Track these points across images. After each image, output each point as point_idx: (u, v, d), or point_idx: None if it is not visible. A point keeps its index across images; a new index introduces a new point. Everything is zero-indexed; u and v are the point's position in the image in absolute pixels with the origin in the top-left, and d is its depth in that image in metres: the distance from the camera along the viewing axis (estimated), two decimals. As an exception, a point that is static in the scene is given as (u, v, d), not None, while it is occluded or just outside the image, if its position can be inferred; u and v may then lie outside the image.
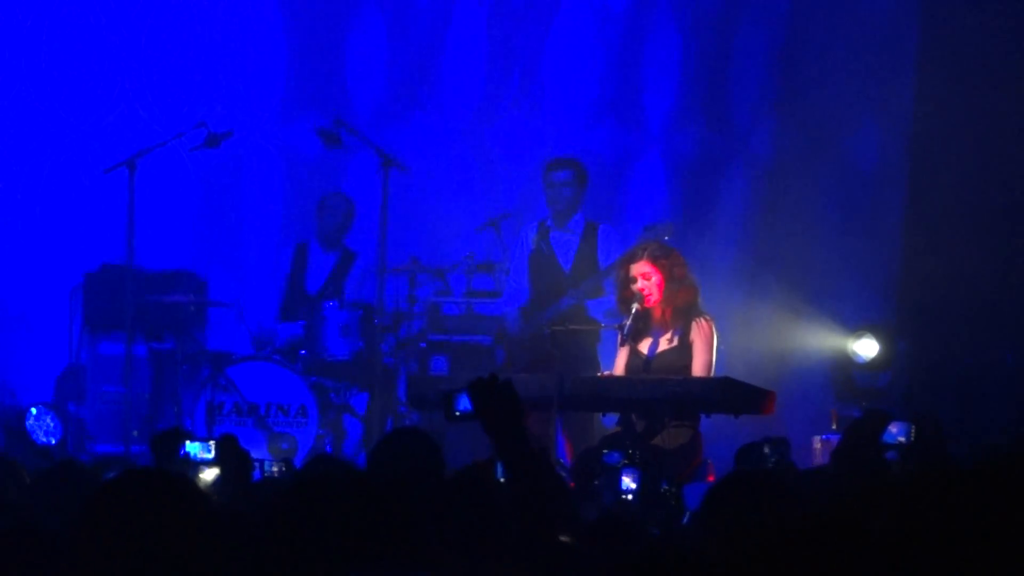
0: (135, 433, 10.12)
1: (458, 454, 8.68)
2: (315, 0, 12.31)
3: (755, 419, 8.44)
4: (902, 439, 5.71)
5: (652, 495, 7.00)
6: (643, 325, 8.66)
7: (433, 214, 12.23)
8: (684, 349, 8.57)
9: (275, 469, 6.59)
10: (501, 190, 12.30)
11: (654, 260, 8.60)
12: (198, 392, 10.19)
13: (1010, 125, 11.62)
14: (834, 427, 11.09)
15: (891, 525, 2.21)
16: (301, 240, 11.06)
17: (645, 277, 8.60)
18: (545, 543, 4.00)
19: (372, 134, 10.70)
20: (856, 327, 11.85)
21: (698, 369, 8.52)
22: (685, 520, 6.61)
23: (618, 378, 8.61)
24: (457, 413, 4.67)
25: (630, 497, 6.95)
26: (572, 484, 7.35)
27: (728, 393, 8.16)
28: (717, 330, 8.67)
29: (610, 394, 8.50)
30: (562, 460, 8.97)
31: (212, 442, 5.67)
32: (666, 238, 9.06)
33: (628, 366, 8.69)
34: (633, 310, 8.58)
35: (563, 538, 4.10)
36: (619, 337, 8.73)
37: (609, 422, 9.10)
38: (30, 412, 10.26)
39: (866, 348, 11.72)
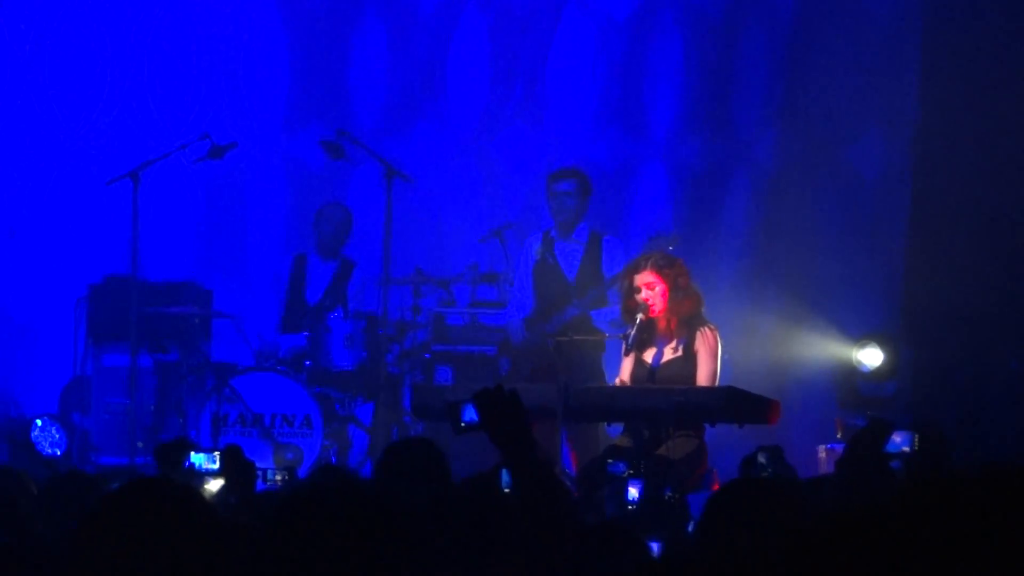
0: (140, 444, 10.10)
1: (463, 464, 8.66)
2: (318, 12, 12.32)
3: (760, 429, 8.42)
4: (906, 448, 5.70)
5: (657, 505, 7.00)
6: (647, 335, 8.65)
7: (437, 225, 12.23)
8: (688, 359, 8.56)
9: (278, 479, 6.60)
10: (505, 200, 12.29)
11: (658, 270, 8.58)
12: (203, 403, 10.18)
13: (1014, 133, 11.61)
14: (839, 436, 11.05)
15: (894, 534, 2.21)
16: (299, 251, 11.06)
17: (649, 287, 8.58)
18: (550, 553, 3.99)
19: (376, 145, 10.72)
20: (860, 336, 11.82)
21: (702, 379, 8.50)
22: (690, 529, 6.62)
23: (623, 388, 8.60)
24: (463, 424, 4.66)
25: (634, 507, 6.95)
26: (576, 494, 7.35)
27: (732, 403, 8.15)
28: (721, 339, 8.66)
29: (615, 404, 8.49)
30: (567, 470, 8.96)
31: (217, 453, 5.68)
32: (670, 248, 9.06)
33: (633, 376, 8.68)
34: (637, 320, 8.57)
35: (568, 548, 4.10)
36: (623, 347, 8.71)
37: (614, 432, 9.09)
38: (35, 423, 10.28)
39: (871, 357, 11.68)
